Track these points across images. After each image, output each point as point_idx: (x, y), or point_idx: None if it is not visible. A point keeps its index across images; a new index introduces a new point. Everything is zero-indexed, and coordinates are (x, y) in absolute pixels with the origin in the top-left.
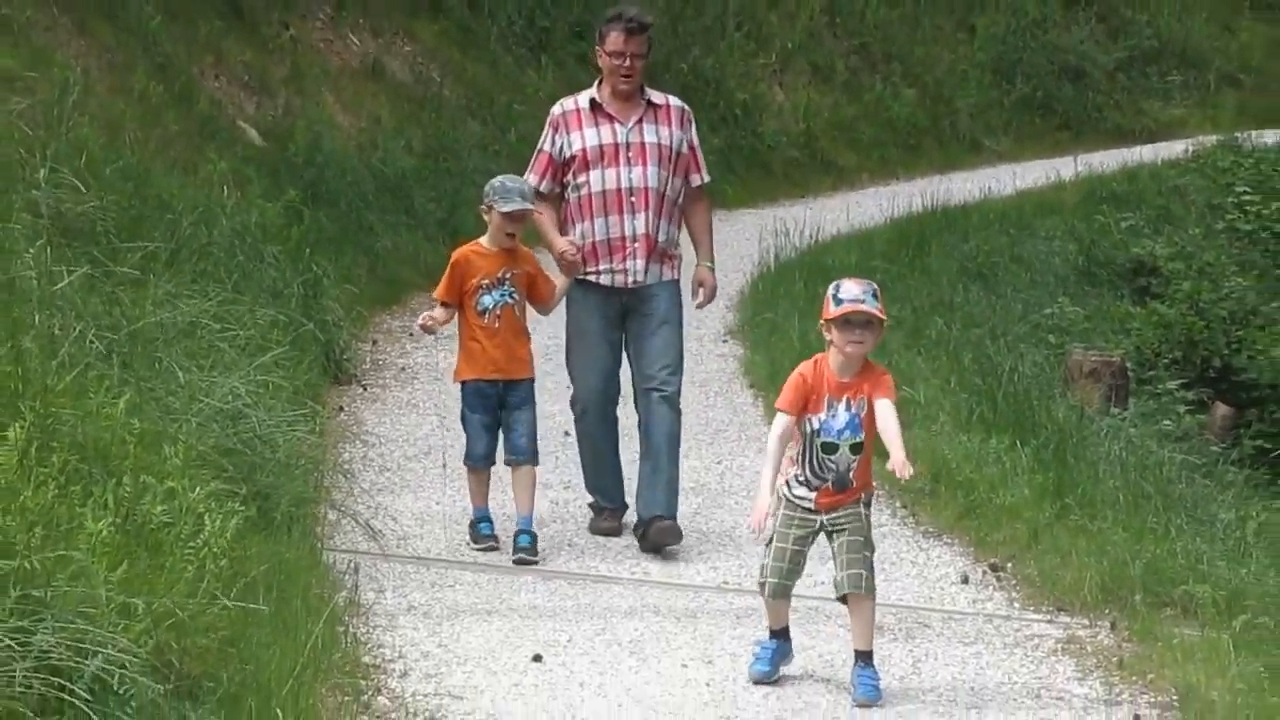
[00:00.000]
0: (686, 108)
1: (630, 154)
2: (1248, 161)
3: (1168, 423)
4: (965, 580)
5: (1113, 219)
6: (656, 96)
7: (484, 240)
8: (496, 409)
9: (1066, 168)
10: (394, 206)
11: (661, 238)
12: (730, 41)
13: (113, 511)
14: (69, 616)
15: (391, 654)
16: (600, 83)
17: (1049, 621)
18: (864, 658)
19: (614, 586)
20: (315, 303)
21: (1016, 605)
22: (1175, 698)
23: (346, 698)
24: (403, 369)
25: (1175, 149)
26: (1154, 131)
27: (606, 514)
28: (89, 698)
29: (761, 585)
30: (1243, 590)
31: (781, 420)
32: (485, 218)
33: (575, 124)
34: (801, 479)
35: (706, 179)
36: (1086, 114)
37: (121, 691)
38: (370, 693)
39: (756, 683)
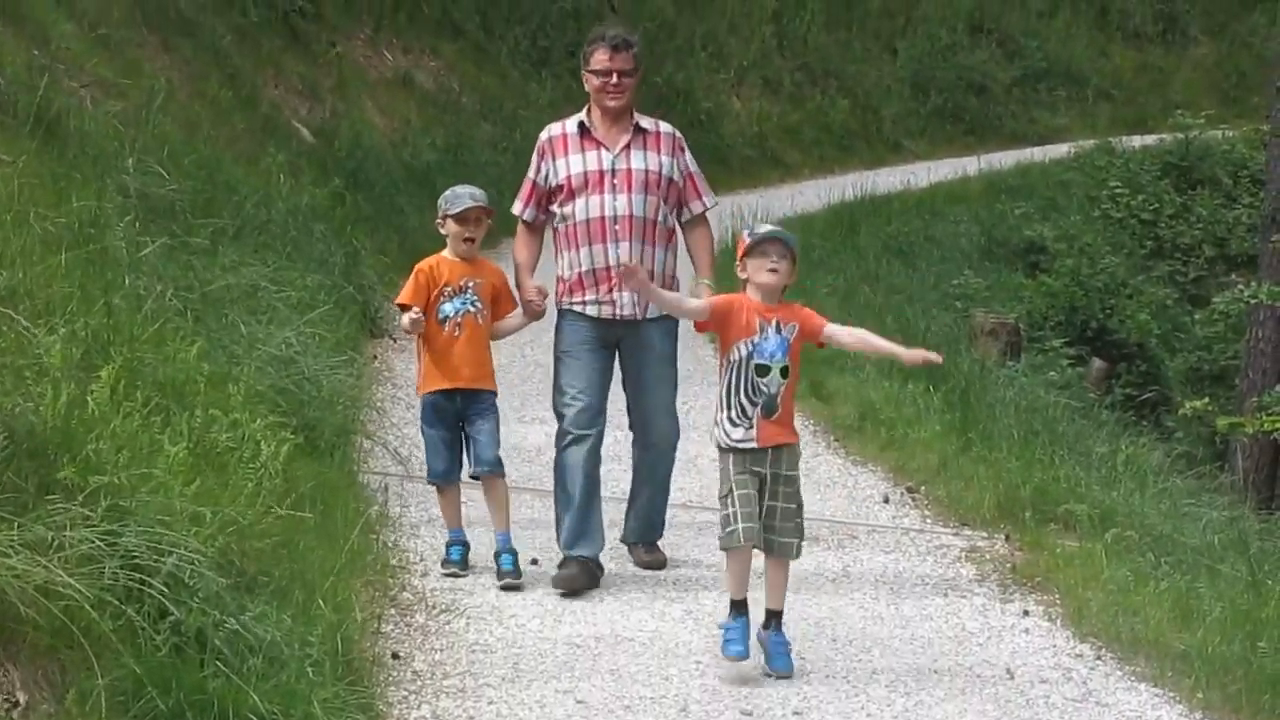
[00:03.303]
0: (678, 134)
1: (615, 180)
2: (1119, 161)
3: (1053, 374)
4: (886, 500)
5: (1009, 207)
6: (646, 122)
7: (445, 252)
8: (456, 424)
9: (971, 165)
10: (420, 192)
11: (654, 266)
12: (697, 60)
13: (186, 438)
14: (150, 523)
15: (414, 557)
16: (589, 108)
17: (955, 534)
18: (776, 619)
19: None
20: (355, 270)
21: (928, 521)
22: (1058, 597)
23: (377, 592)
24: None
25: (1060, 151)
26: (1043, 136)
27: (571, 562)
28: (165, 589)
29: (731, 534)
30: (1113, 509)
31: (702, 302)
32: (442, 231)
33: (561, 150)
34: (734, 417)
35: (711, 204)
36: (988, 121)
37: (192, 584)
38: (396, 589)
39: (738, 660)
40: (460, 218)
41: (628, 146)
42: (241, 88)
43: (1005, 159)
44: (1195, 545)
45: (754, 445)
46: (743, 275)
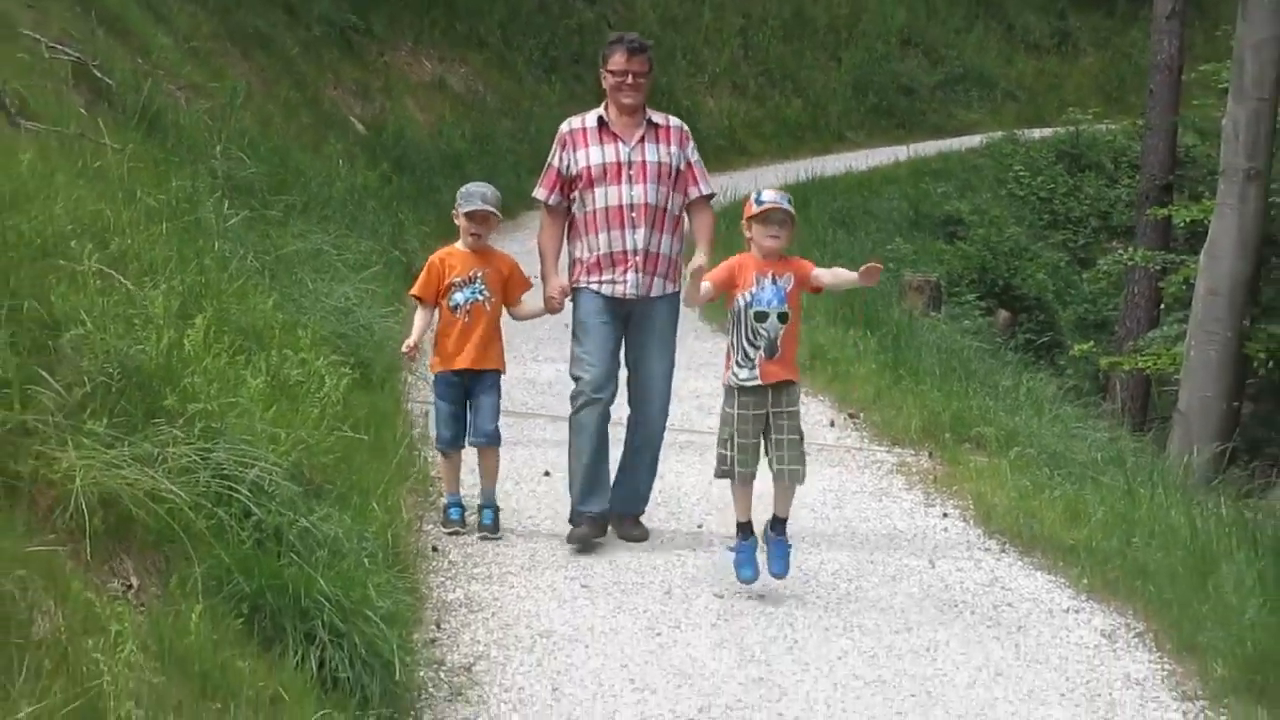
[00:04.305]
0: (685, 127)
1: (631, 171)
2: (1021, 150)
3: (967, 322)
4: (832, 424)
5: (932, 187)
6: (658, 117)
7: (458, 243)
8: (463, 399)
9: (902, 153)
10: (453, 174)
11: (663, 250)
12: (678, 67)
13: (264, 373)
14: (235, 441)
15: None
16: (606, 104)
17: (887, 451)
18: (780, 525)
19: None
20: (400, 237)
21: (866, 440)
22: (971, 502)
23: (419, 498)
24: None
25: (974, 141)
26: (960, 129)
27: (584, 520)
28: (249, 495)
29: (726, 472)
30: (1016, 431)
31: (709, 288)
32: (457, 222)
33: (582, 142)
34: (739, 360)
35: (706, 191)
36: (915, 117)
37: (270, 491)
38: (435, 495)
39: (749, 583)
40: (469, 215)
41: (642, 140)
42: (307, 89)
43: (929, 148)
44: (1082, 461)
45: (757, 383)
46: (748, 235)
